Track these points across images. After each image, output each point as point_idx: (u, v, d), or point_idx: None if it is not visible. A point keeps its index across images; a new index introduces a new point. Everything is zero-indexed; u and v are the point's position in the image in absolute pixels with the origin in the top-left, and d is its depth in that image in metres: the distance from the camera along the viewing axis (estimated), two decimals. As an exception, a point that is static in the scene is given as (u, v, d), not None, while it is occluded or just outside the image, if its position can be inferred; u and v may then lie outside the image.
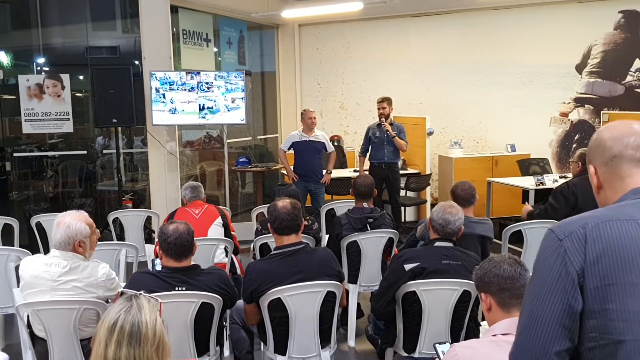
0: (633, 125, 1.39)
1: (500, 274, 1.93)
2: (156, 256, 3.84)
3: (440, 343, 2.19)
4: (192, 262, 2.85)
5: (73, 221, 2.75)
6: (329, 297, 2.90)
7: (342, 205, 5.28)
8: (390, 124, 6.45)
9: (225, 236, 4.10)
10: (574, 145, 7.90)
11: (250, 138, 8.71)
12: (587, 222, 1.25)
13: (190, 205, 4.21)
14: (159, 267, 2.91)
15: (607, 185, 1.39)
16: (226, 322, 3.29)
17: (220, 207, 4.45)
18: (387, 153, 6.48)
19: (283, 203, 3.02)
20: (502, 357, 1.73)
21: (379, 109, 6.47)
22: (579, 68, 7.77)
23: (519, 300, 1.88)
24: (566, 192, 4.34)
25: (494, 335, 1.82)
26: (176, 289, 2.69)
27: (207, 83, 6.33)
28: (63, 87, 6.43)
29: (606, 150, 1.38)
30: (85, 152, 7.42)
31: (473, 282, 2.82)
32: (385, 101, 6.45)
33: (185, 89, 6.30)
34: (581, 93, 7.81)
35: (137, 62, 6.77)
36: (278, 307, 2.81)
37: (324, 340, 2.98)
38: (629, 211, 1.27)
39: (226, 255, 4.04)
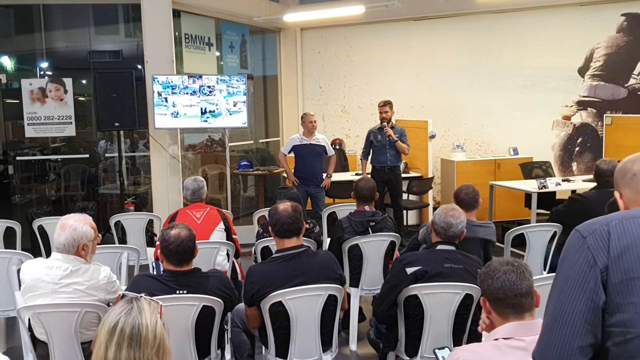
0: None
1: (493, 284, 1.89)
2: (156, 259, 3.82)
3: (439, 348, 2.18)
4: (193, 266, 2.84)
5: (79, 224, 2.75)
6: (331, 301, 2.89)
7: (344, 208, 5.27)
8: (392, 128, 6.46)
9: (227, 239, 4.08)
10: (577, 149, 7.89)
11: (252, 141, 8.72)
12: (611, 220, 1.29)
13: (192, 207, 4.18)
14: (160, 270, 2.91)
15: (632, 205, 1.44)
16: (227, 326, 3.28)
17: (222, 210, 4.42)
18: (390, 156, 6.49)
19: (284, 206, 3.01)
20: (504, 360, 1.73)
21: (380, 112, 6.48)
22: (582, 71, 7.76)
23: (514, 309, 1.86)
24: (576, 199, 4.34)
25: (496, 339, 1.80)
26: (177, 292, 2.69)
27: (209, 87, 6.34)
28: (66, 91, 6.44)
29: (627, 171, 1.46)
30: (87, 155, 7.43)
31: (475, 286, 2.83)
32: (387, 105, 6.46)
33: (187, 93, 6.31)
34: (584, 96, 7.80)
35: (139, 66, 6.79)
36: (279, 310, 2.81)
37: (326, 344, 2.97)
38: None
39: (227, 260, 4.02)
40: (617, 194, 1.51)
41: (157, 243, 3.87)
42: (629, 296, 1.21)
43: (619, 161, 1.57)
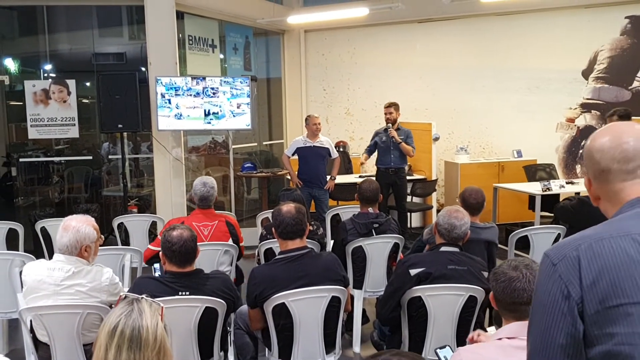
0: (622, 134, 1.31)
1: (496, 286, 1.92)
2: (146, 261, 3.79)
3: (440, 347, 2.16)
4: (195, 267, 2.83)
5: (82, 225, 2.74)
6: (334, 302, 2.88)
7: (348, 210, 5.26)
8: (397, 129, 6.45)
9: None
10: (581, 151, 7.85)
11: (255, 144, 8.72)
12: (580, 243, 1.20)
13: (199, 217, 4.01)
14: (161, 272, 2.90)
15: (603, 197, 1.35)
16: (230, 327, 3.27)
17: (229, 217, 4.26)
18: (394, 158, 6.48)
19: (287, 207, 3.00)
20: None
21: (385, 114, 6.48)
22: (586, 74, 7.73)
23: (513, 314, 1.87)
24: (589, 203, 4.27)
25: (500, 339, 1.79)
26: (179, 293, 2.68)
27: (212, 88, 6.33)
28: (69, 93, 6.45)
29: (595, 163, 1.33)
30: (91, 157, 7.44)
31: (479, 288, 2.82)
32: (392, 106, 6.46)
33: (190, 95, 6.30)
34: (588, 99, 7.77)
35: (143, 68, 6.79)
36: (282, 312, 2.79)
37: (329, 346, 2.95)
38: (624, 226, 1.21)
39: (230, 264, 3.96)
40: (586, 181, 1.38)
41: (148, 247, 3.85)
42: (607, 327, 1.13)
43: None
